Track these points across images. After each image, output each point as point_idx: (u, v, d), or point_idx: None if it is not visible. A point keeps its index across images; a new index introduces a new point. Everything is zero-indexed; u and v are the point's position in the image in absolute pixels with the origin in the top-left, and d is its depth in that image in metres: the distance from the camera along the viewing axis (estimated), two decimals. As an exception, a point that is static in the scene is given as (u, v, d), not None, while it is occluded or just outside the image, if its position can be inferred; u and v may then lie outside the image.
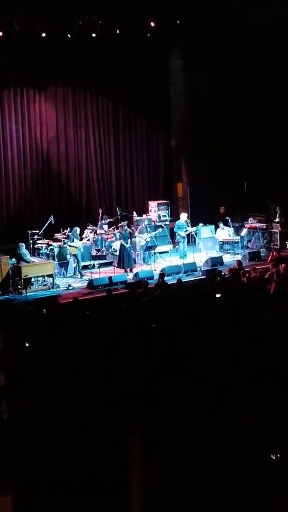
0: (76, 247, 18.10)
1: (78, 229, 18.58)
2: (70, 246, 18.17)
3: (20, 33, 18.42)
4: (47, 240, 18.49)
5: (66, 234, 18.57)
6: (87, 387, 7.18)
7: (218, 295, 12.71)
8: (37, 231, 18.31)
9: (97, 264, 18.52)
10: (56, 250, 18.18)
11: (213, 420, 6.45)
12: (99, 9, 19.26)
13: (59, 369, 7.90)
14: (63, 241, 18.47)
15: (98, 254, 19.05)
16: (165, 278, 16.21)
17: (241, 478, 5.87)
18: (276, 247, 19.89)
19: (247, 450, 6.10)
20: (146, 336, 9.10)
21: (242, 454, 6.06)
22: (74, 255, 18.22)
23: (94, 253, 19.09)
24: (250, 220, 21.02)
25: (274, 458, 6.05)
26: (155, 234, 19.69)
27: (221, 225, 20.72)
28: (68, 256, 18.36)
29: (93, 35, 19.68)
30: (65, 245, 18.30)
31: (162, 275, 15.43)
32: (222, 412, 6.52)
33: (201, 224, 20.49)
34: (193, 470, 5.99)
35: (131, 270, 18.34)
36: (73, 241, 18.21)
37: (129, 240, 18.65)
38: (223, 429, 6.32)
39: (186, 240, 19.95)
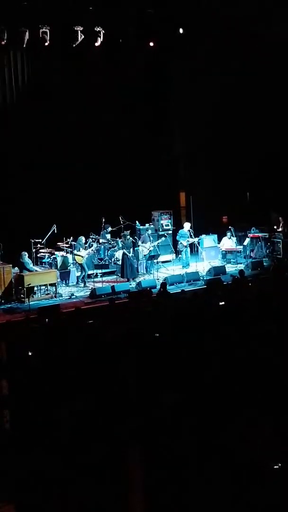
0: (82, 256, 18.12)
1: (83, 238, 18.59)
2: (76, 255, 18.18)
3: (23, 42, 18.61)
4: (50, 249, 18.51)
5: (69, 243, 18.59)
6: (87, 400, 7.18)
7: (221, 303, 12.70)
8: (40, 240, 18.35)
9: (100, 273, 18.55)
10: (59, 260, 18.18)
11: (213, 431, 6.44)
12: (101, 20, 19.39)
13: (60, 380, 7.90)
14: (66, 250, 18.48)
15: (101, 263, 19.05)
16: (168, 287, 16.19)
17: (241, 488, 5.86)
18: (278, 256, 19.90)
19: (248, 460, 6.09)
20: (147, 348, 9.08)
21: (243, 465, 6.05)
22: (80, 264, 18.23)
23: (96, 262, 19.10)
24: (253, 230, 21.03)
25: (275, 467, 6.04)
26: (158, 243, 19.70)
27: (228, 234, 20.73)
28: (71, 265, 18.38)
29: (96, 44, 19.77)
30: (67, 255, 18.32)
31: (163, 285, 15.41)
32: (223, 424, 6.51)
33: (203, 235, 20.53)
34: (193, 481, 5.98)
35: (133, 280, 18.35)
36: (79, 250, 18.23)
37: (131, 249, 18.65)
38: (224, 440, 6.31)
39: (188, 249, 19.97)
